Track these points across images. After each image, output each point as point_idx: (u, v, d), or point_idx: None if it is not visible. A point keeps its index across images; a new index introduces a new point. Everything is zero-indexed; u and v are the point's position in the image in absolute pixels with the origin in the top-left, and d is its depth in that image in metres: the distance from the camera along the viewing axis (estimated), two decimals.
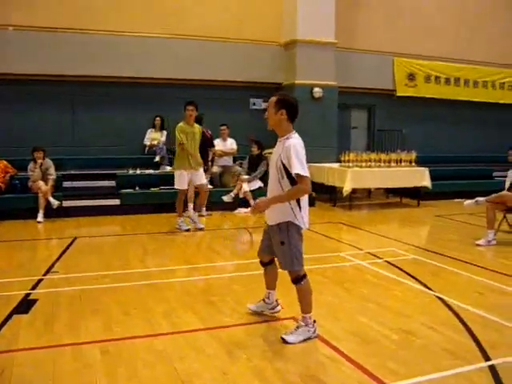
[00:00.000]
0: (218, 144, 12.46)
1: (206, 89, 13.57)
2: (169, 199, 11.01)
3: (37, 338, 4.65)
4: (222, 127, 12.71)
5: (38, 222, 10.31)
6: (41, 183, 10.52)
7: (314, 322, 4.70)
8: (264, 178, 11.91)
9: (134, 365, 4.11)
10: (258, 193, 11.36)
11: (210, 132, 11.77)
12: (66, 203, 10.91)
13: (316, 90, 13.85)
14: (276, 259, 4.90)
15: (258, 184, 11.94)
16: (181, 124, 9.59)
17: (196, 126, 9.77)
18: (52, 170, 10.85)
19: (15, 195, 10.85)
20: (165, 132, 12.95)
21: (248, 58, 13.87)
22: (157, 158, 12.49)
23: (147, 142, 12.91)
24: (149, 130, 13.02)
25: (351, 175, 11.87)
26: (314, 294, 4.74)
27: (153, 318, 5.13)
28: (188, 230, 9.60)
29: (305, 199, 4.64)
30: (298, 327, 4.66)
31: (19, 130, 12.14)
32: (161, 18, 13.12)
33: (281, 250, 4.65)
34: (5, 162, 10.94)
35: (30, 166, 10.81)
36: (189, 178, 9.64)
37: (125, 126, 13.01)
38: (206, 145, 11.08)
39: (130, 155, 12.88)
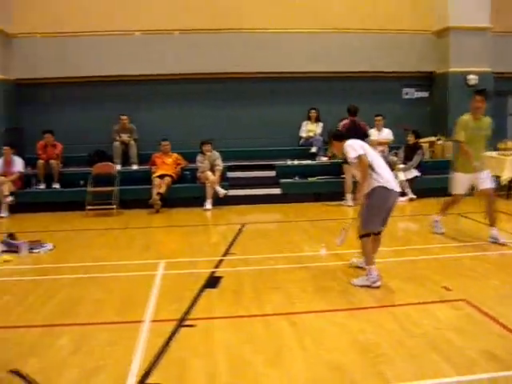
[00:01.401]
0: (374, 134, 12.53)
1: (358, 80, 13.86)
2: (326, 189, 11.54)
3: (228, 309, 5.31)
4: (378, 117, 12.79)
5: (206, 210, 11.23)
6: (209, 174, 11.40)
7: (378, 275, 5.77)
8: (420, 167, 12.06)
9: (319, 335, 4.60)
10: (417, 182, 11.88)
11: (364, 123, 11.94)
12: (231, 192, 11.73)
13: (470, 77, 13.64)
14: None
15: (414, 173, 12.00)
16: (464, 117, 8.06)
17: (484, 119, 8.02)
18: (219, 162, 11.72)
19: (186, 185, 11.92)
20: (320, 124, 13.38)
21: (399, 48, 13.88)
22: (313, 149, 12.96)
23: (303, 133, 13.45)
24: (304, 123, 13.52)
25: (510, 163, 11.63)
26: (481, 278, 5.32)
27: (329, 295, 5.61)
28: (442, 234, 8.38)
29: (377, 167, 5.81)
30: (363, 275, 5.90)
31: (188, 125, 13.24)
32: (309, 13, 13.55)
33: (361, 212, 5.93)
34: (176, 155, 11.99)
35: (199, 157, 11.72)
36: (469, 182, 8.07)
37: (280, 118, 13.62)
38: (360, 136, 11.30)
39: (286, 146, 13.49)
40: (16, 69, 13.09)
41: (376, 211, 5.81)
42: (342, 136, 6.17)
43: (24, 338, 4.69)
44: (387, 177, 5.86)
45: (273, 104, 13.76)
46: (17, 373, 3.95)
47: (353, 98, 12.64)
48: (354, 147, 5.85)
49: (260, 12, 13.42)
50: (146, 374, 3.92)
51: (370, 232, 5.89)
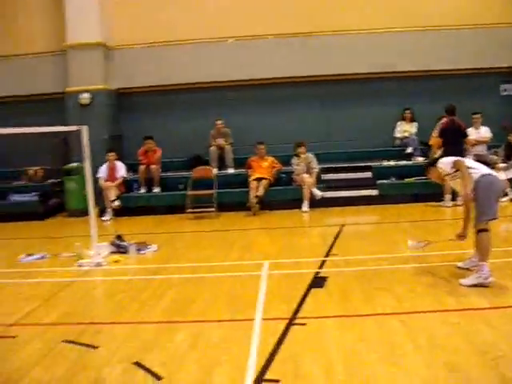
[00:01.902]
0: (471, 133, 12.04)
1: (453, 78, 13.45)
2: (424, 189, 11.34)
3: (337, 308, 5.35)
4: (475, 116, 12.35)
5: (304, 212, 11.31)
6: (305, 176, 11.48)
7: (489, 271, 5.65)
8: None
9: (432, 335, 4.54)
10: None
11: (462, 122, 11.51)
12: (327, 194, 11.75)
13: None
14: None
15: None
16: None
17: None
18: (315, 164, 11.78)
19: (282, 187, 12.05)
20: (415, 124, 13.18)
21: (494, 43, 13.32)
22: (409, 150, 12.78)
23: (398, 134, 13.28)
24: (398, 123, 13.35)
25: None
26: None
27: (438, 295, 5.51)
28: None
29: (472, 164, 5.99)
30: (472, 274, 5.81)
31: (281, 128, 13.39)
32: (400, 12, 13.31)
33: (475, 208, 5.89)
34: (272, 158, 12.14)
35: (294, 160, 11.82)
36: None
37: (374, 119, 13.50)
38: (458, 135, 11.01)
39: (380, 147, 13.35)
40: (116, 79, 13.70)
41: (487, 198, 5.74)
42: (435, 160, 6.52)
43: (143, 333, 4.93)
44: (484, 169, 6.00)
45: (366, 105, 13.66)
46: (140, 365, 4.17)
47: (448, 96, 12.35)
48: (444, 162, 6.15)
49: (351, 13, 13.34)
50: (264, 370, 4.02)
51: (486, 226, 5.79)
